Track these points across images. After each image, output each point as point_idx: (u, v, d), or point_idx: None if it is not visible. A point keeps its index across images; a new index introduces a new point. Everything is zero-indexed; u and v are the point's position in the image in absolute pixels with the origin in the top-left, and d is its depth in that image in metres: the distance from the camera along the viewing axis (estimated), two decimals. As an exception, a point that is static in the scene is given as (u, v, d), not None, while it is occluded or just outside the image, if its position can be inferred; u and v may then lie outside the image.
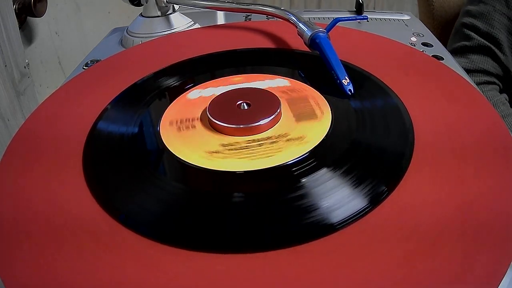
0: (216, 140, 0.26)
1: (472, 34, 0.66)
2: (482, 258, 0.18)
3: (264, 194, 0.22)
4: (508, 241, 0.18)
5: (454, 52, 0.68)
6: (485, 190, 0.21)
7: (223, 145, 0.25)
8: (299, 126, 0.26)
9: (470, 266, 0.17)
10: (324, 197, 0.21)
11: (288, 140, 0.25)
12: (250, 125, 0.26)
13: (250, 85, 0.31)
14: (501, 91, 0.66)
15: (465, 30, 0.68)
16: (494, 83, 0.66)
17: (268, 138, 0.26)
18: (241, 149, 0.25)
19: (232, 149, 0.25)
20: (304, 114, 0.27)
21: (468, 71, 0.65)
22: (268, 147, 0.25)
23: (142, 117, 0.29)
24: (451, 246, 0.18)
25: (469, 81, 0.30)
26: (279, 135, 0.26)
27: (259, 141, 0.25)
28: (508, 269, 0.17)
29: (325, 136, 0.25)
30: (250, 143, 0.25)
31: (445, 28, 0.78)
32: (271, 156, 0.24)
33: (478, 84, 0.65)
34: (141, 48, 0.39)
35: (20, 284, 0.18)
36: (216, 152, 0.25)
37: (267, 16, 0.45)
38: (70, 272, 0.19)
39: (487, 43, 0.65)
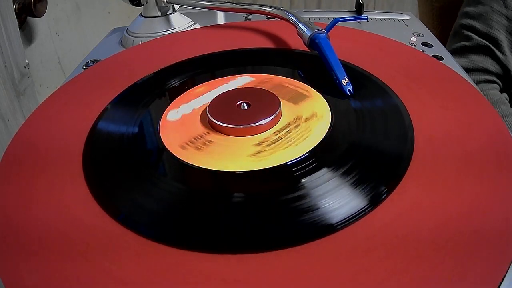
0: (247, 142, 0.25)
1: (471, 35, 0.66)
2: (481, 261, 0.18)
3: (264, 194, 0.22)
4: (507, 246, 0.18)
5: (454, 52, 0.68)
6: (485, 193, 0.21)
7: (258, 144, 0.25)
8: (302, 107, 0.27)
9: (470, 267, 0.17)
10: (323, 198, 0.21)
11: (306, 120, 0.26)
12: (254, 123, 0.26)
13: (214, 92, 0.30)
14: (501, 91, 0.66)
15: (464, 31, 0.68)
16: (494, 82, 0.65)
17: (288, 124, 0.26)
18: (277, 141, 0.25)
19: (269, 144, 0.25)
20: (295, 97, 0.28)
21: (468, 70, 0.65)
22: (297, 131, 0.25)
23: (142, 117, 0.29)
24: (450, 247, 0.18)
25: (469, 81, 0.30)
26: (294, 119, 0.26)
27: (283, 129, 0.26)
28: (507, 274, 0.17)
29: (324, 137, 0.25)
30: (278, 133, 0.25)
31: (445, 28, 0.78)
32: (307, 137, 0.25)
33: (478, 82, 0.64)
34: (141, 48, 0.39)
35: (19, 285, 0.18)
36: (259, 152, 0.24)
37: (267, 16, 0.45)
38: (69, 272, 0.19)
39: (486, 43, 0.65)
